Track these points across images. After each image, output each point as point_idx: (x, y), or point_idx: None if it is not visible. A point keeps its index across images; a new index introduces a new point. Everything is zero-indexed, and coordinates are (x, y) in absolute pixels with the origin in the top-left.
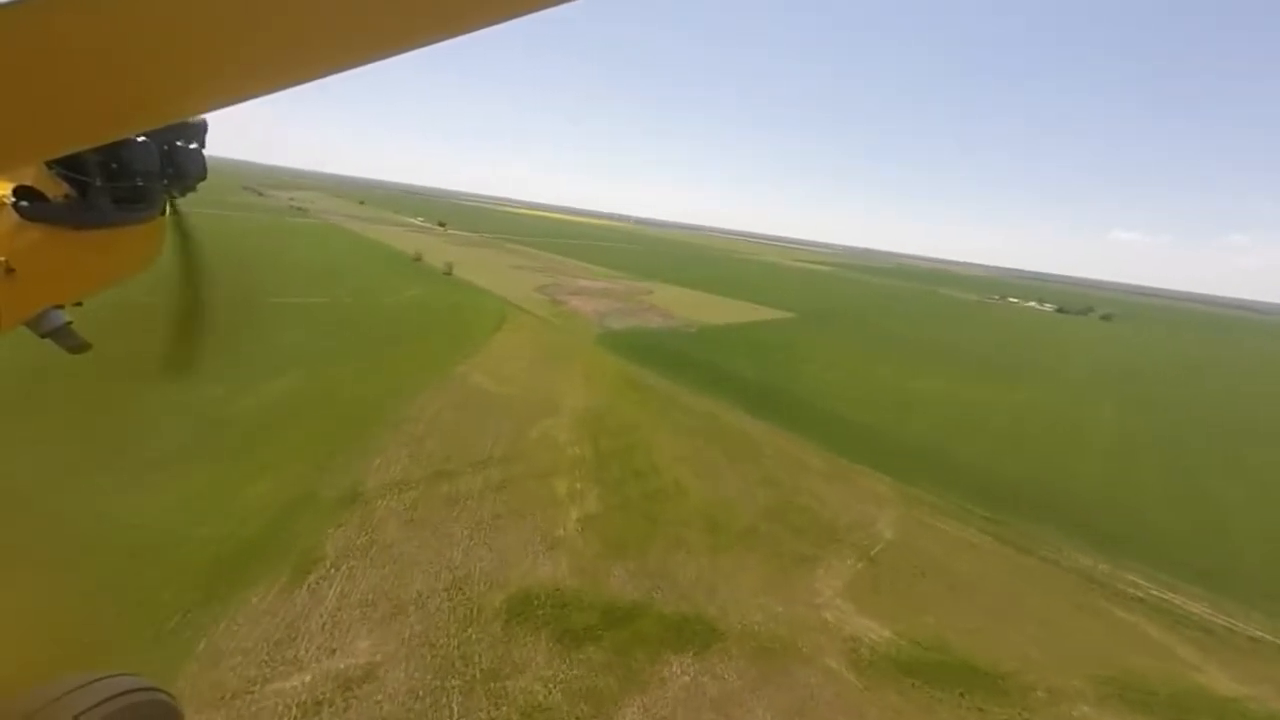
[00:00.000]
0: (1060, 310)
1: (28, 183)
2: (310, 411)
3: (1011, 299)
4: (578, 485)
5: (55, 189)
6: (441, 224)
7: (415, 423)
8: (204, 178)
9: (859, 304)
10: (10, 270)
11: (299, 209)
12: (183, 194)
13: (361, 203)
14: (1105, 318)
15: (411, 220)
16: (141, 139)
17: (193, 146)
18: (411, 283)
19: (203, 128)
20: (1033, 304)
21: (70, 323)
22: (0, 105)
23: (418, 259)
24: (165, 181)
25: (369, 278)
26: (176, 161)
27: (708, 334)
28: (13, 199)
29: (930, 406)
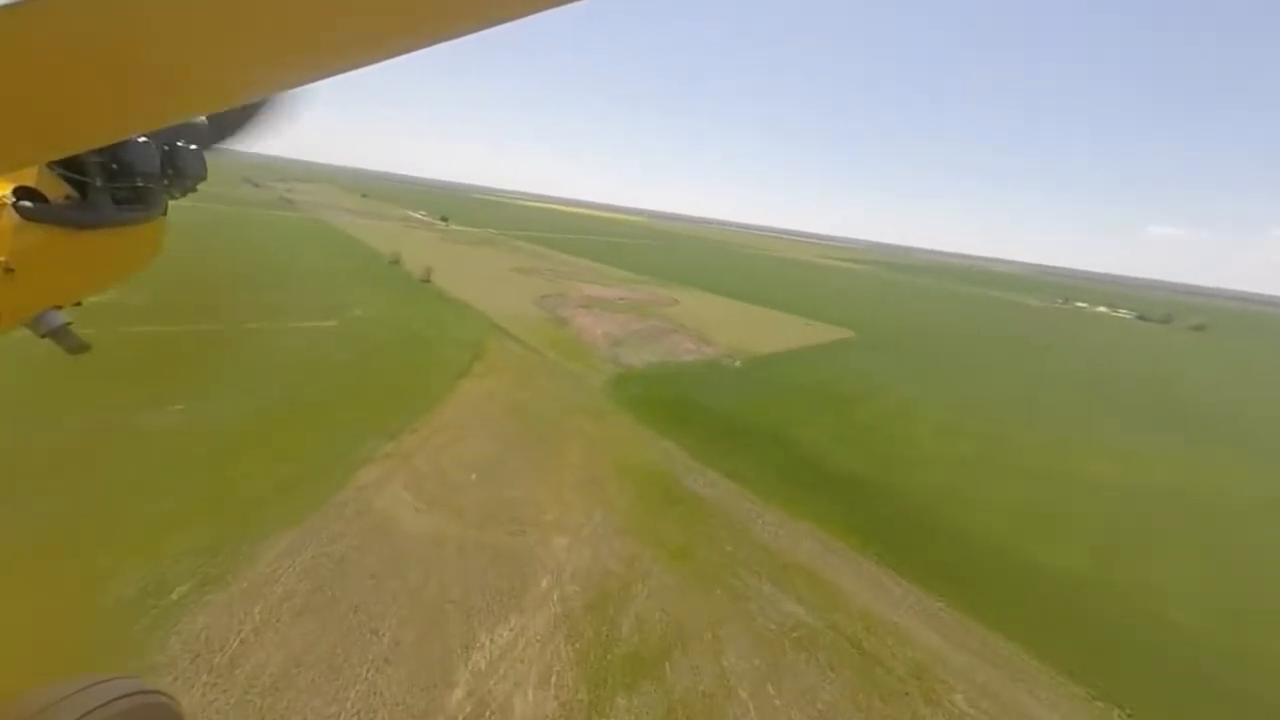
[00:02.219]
0: (1141, 318)
1: (28, 183)
2: None
3: (1079, 304)
4: None
5: (55, 189)
6: (444, 219)
7: (177, 663)
8: (204, 178)
9: (920, 316)
10: (10, 271)
11: (288, 201)
12: (183, 194)
13: (364, 196)
14: (1197, 328)
15: (412, 214)
16: (142, 139)
17: (193, 147)
18: (371, 295)
19: (203, 128)
20: (1103, 309)
21: (70, 323)
22: (1, 106)
23: (395, 262)
24: (166, 182)
25: (314, 288)
26: (177, 162)
27: (759, 370)
28: (13, 199)
29: (1139, 524)
